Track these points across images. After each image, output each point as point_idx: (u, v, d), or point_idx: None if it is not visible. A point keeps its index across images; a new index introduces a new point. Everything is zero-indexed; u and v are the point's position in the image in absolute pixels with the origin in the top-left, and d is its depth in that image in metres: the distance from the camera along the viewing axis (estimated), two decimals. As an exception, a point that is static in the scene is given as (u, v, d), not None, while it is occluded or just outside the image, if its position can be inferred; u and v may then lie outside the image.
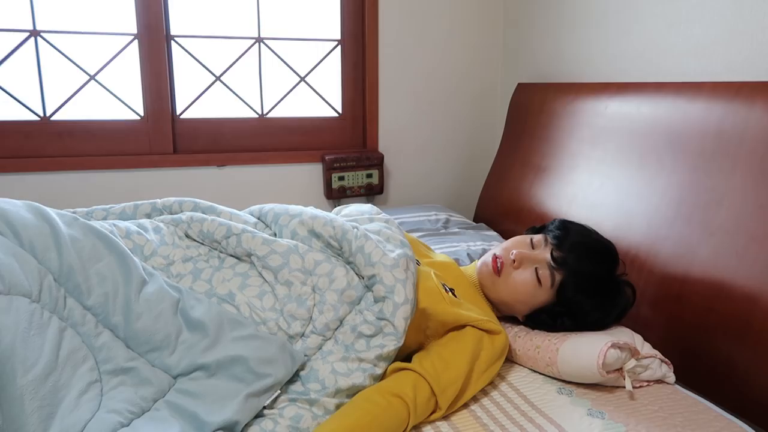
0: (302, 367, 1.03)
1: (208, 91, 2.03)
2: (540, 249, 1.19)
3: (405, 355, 1.12)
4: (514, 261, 1.17)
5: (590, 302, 1.15)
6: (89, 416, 0.82)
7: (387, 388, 0.99)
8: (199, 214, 1.17)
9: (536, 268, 1.16)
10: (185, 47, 1.98)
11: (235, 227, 1.13)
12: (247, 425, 0.91)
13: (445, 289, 1.16)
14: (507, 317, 1.29)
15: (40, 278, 0.88)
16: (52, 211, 0.99)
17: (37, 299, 0.86)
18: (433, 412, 1.01)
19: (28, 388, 0.77)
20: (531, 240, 1.21)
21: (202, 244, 1.14)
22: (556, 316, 1.18)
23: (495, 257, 1.20)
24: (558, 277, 1.15)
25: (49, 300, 0.88)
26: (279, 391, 0.97)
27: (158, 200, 1.22)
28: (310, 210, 1.20)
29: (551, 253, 1.16)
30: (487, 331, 1.11)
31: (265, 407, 0.95)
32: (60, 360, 0.83)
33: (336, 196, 2.15)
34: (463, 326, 1.10)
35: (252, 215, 1.23)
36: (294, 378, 1.01)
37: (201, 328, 0.95)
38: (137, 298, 0.94)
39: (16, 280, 0.84)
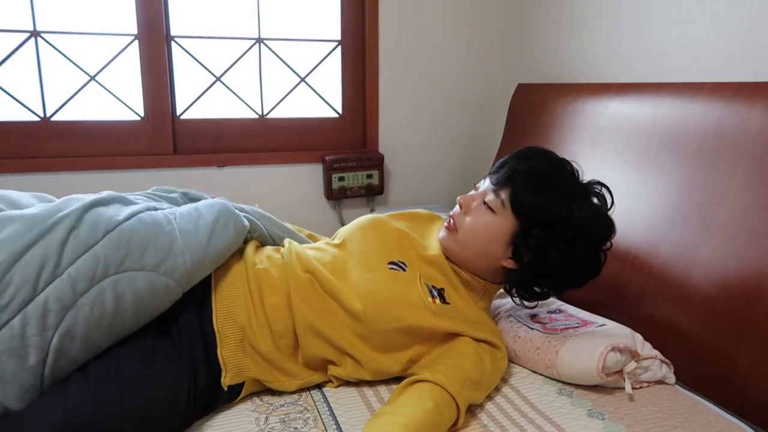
0: None
1: (208, 91, 2.03)
2: (482, 186, 1.18)
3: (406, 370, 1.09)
4: (461, 207, 1.16)
5: (550, 199, 1.07)
6: None
7: (408, 406, 0.95)
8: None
9: (483, 201, 1.13)
10: (185, 47, 1.97)
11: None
12: None
13: (433, 294, 1.10)
14: (504, 315, 1.29)
15: None
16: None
17: None
18: (457, 420, 0.98)
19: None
20: (474, 187, 1.21)
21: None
22: (531, 238, 1.09)
23: (447, 219, 1.19)
24: (504, 195, 1.10)
25: None
26: None
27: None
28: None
29: (490, 180, 1.16)
30: (485, 342, 1.10)
31: None
32: None
33: (336, 196, 2.15)
34: (456, 335, 1.08)
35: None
36: None
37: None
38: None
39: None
